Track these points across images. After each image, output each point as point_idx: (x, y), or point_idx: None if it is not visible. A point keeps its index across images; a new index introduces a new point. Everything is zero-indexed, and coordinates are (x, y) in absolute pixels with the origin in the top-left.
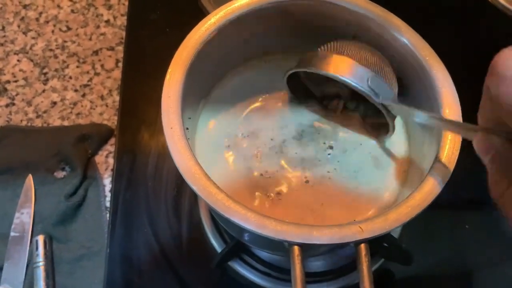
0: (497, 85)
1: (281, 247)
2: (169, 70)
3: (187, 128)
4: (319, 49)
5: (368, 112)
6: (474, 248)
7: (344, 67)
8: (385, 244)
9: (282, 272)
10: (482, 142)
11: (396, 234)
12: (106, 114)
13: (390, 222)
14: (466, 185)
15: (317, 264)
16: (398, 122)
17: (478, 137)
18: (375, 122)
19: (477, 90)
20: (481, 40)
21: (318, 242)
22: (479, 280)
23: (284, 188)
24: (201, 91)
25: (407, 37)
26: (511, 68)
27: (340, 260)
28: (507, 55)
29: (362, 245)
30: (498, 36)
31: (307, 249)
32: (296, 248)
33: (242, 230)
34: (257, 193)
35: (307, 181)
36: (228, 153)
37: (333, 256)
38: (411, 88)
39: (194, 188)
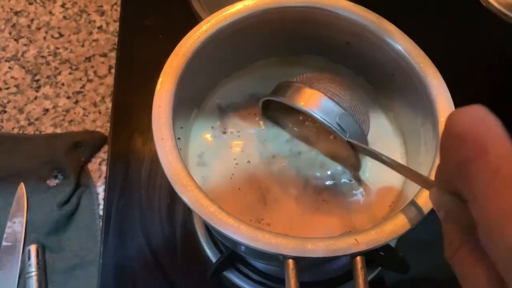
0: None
1: (276, 258)
2: (160, 79)
3: (179, 138)
4: (292, 80)
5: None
6: None
7: (313, 101)
8: (381, 253)
9: (277, 282)
10: (435, 199)
11: (392, 242)
12: (99, 121)
13: (386, 234)
14: None
15: (311, 275)
16: (394, 131)
17: (433, 193)
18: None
19: (473, 96)
20: (476, 45)
21: (312, 255)
22: None
23: (275, 200)
24: (193, 100)
25: (401, 43)
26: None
27: (334, 270)
28: (463, 116)
29: (358, 258)
30: (493, 41)
31: (302, 261)
32: (290, 261)
33: (236, 241)
34: (248, 205)
35: (299, 193)
36: (221, 163)
37: (327, 266)
38: (406, 95)
39: (186, 200)
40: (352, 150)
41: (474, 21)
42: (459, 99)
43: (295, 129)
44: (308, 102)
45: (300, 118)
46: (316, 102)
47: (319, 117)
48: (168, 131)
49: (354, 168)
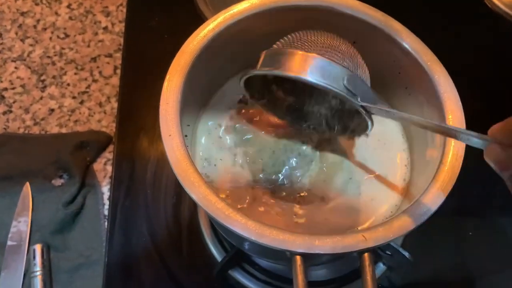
0: None
1: (282, 256)
2: (167, 76)
3: (186, 136)
4: (276, 45)
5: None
6: (477, 255)
7: (313, 67)
8: (388, 253)
9: (283, 281)
10: (499, 158)
11: (398, 242)
12: (105, 121)
13: (394, 230)
14: (468, 192)
15: (320, 273)
16: (398, 129)
17: (494, 151)
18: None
19: (479, 94)
20: (482, 43)
21: (320, 252)
22: (483, 283)
23: (282, 197)
24: (200, 98)
25: (408, 42)
26: None
27: (343, 268)
28: None
29: (366, 255)
30: (498, 41)
31: (310, 259)
32: (298, 258)
33: (242, 239)
34: (254, 201)
35: (304, 193)
36: (227, 161)
37: (336, 264)
38: (413, 93)
39: (193, 196)
40: (363, 113)
41: (479, 21)
42: (465, 98)
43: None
44: (307, 70)
45: (292, 93)
46: (317, 67)
47: (326, 86)
48: (175, 127)
49: (363, 129)
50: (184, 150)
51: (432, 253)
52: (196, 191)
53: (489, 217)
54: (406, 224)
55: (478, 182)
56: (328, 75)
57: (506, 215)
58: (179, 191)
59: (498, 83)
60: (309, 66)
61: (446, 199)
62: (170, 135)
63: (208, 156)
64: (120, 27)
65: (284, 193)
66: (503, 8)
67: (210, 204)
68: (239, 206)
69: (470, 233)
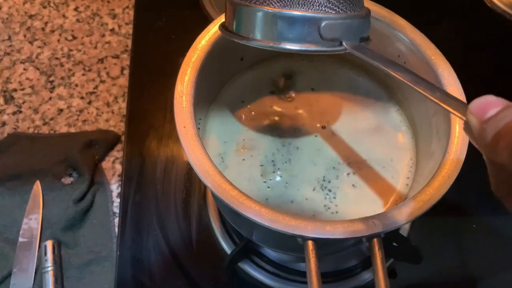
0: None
1: (292, 245)
2: (181, 70)
3: (199, 128)
4: None
5: None
6: (482, 246)
7: (282, 28)
8: (395, 244)
9: (291, 273)
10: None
11: (404, 233)
12: (112, 121)
13: (403, 216)
14: (473, 183)
15: (326, 265)
16: (404, 124)
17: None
18: None
19: (480, 88)
20: (480, 44)
21: (331, 237)
22: (487, 277)
23: (288, 192)
24: (211, 93)
25: (412, 37)
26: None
27: (348, 260)
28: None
29: (375, 240)
30: (497, 40)
31: (321, 245)
32: (310, 242)
33: (253, 228)
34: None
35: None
36: (236, 154)
37: (341, 256)
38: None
39: (209, 185)
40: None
41: (478, 20)
42: (467, 91)
43: None
44: (275, 34)
45: None
46: (285, 27)
47: (299, 50)
48: (190, 119)
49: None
50: (198, 141)
51: (436, 244)
52: (211, 179)
53: (493, 209)
54: (414, 210)
55: (483, 173)
56: (300, 32)
57: None
58: (188, 186)
59: (495, 81)
60: (276, 29)
61: (451, 190)
62: (184, 127)
63: (218, 149)
64: (126, 29)
65: (297, 185)
66: (501, 7)
67: (225, 192)
68: None
69: (474, 225)
